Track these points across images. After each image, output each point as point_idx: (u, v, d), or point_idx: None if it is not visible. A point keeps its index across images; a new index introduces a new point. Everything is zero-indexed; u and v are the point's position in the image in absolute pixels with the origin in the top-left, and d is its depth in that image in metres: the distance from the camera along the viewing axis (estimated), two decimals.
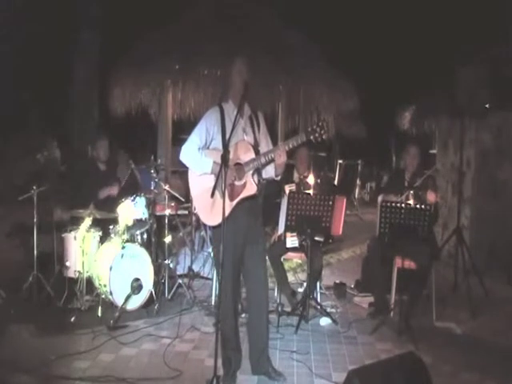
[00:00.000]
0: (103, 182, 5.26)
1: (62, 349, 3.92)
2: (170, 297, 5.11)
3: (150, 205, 5.21)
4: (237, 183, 3.39)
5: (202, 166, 3.43)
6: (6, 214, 6.03)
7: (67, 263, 4.85)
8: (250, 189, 3.40)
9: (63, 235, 4.94)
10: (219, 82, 7.02)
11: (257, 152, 3.43)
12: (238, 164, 3.40)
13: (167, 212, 5.27)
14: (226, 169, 3.15)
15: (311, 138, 3.31)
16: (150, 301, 4.83)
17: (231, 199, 3.35)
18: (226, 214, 3.19)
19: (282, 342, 4.22)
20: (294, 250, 4.95)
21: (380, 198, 4.95)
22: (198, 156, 3.45)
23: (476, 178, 6.66)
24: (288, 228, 4.63)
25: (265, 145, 3.55)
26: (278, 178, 3.61)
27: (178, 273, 5.74)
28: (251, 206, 3.46)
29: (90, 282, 4.76)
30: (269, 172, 3.54)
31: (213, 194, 3.21)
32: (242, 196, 3.39)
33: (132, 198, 5.01)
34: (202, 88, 7.48)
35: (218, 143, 3.45)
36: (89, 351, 3.92)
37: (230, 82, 3.49)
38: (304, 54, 7.73)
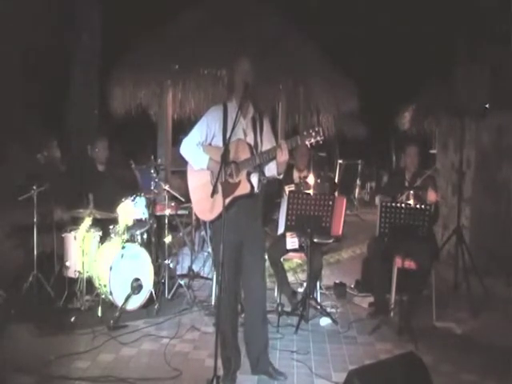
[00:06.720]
0: (101, 182, 5.25)
1: (62, 349, 3.92)
2: (170, 297, 5.11)
3: (150, 205, 5.20)
4: (231, 181, 3.40)
5: (199, 161, 3.47)
6: (6, 214, 6.02)
7: (67, 263, 4.85)
8: (244, 188, 3.41)
9: (63, 235, 4.94)
10: (219, 82, 7.05)
11: (254, 153, 3.44)
12: (233, 162, 3.41)
13: (167, 212, 5.27)
14: (227, 168, 3.16)
15: (306, 142, 3.32)
16: (150, 301, 4.84)
17: (224, 197, 3.36)
18: (220, 211, 3.21)
19: (281, 341, 4.22)
20: (294, 250, 4.95)
21: (377, 199, 4.95)
22: (196, 151, 3.49)
23: (476, 178, 6.66)
24: (288, 228, 4.63)
25: (267, 146, 3.55)
26: (281, 176, 3.62)
27: (178, 273, 5.74)
28: (250, 206, 3.47)
29: (90, 282, 4.76)
30: (271, 170, 3.54)
31: (213, 195, 3.22)
32: (235, 194, 3.40)
33: (132, 197, 5.01)
34: (202, 88, 7.47)
35: (218, 140, 3.48)
36: (89, 351, 3.92)
37: (233, 82, 3.52)
38: (304, 54, 7.72)
